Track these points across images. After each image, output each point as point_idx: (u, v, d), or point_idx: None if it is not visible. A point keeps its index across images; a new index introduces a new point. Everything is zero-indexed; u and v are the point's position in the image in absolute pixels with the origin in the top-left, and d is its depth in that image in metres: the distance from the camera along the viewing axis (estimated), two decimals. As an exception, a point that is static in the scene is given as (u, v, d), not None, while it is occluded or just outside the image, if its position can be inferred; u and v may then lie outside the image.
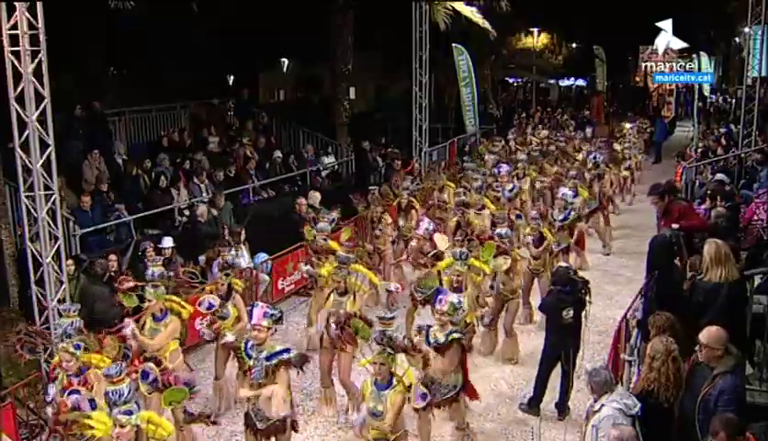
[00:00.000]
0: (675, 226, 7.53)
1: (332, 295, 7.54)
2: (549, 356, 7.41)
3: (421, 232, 9.59)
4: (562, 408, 7.43)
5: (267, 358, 5.59)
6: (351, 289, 7.49)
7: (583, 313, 7.37)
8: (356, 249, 8.95)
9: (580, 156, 17.16)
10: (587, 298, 7.44)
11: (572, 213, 10.88)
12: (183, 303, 7.03)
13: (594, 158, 14.95)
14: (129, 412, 4.71)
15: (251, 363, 5.67)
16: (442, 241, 8.97)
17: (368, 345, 5.93)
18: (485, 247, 8.47)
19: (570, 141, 20.32)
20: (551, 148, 18.45)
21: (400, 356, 5.68)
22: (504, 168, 13.97)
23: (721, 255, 5.99)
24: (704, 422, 4.74)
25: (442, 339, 6.29)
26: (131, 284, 7.16)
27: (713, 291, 5.92)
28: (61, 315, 6.64)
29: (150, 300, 6.72)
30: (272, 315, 5.69)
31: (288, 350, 5.68)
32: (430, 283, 8.50)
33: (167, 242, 9.59)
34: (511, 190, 12.75)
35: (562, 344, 7.24)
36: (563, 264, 8.53)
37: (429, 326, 6.43)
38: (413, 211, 11.63)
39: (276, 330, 5.83)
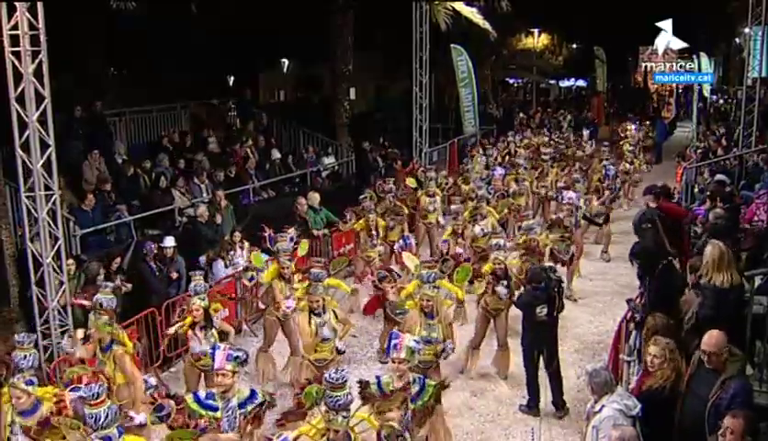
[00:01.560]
0: (653, 205, 7.66)
1: (312, 320, 7.07)
2: (529, 357, 7.51)
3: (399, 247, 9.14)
4: (559, 405, 7.51)
5: (241, 406, 5.13)
6: (329, 308, 7.19)
7: (555, 311, 7.42)
8: (310, 261, 8.38)
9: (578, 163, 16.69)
10: (561, 298, 7.52)
11: (580, 218, 10.74)
12: (125, 337, 6.55)
13: (607, 172, 14.39)
14: (109, 438, 4.45)
15: (217, 415, 5.10)
16: (410, 260, 8.14)
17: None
18: (460, 269, 7.87)
19: (568, 143, 19.95)
20: (548, 150, 17.97)
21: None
22: (498, 171, 13.78)
23: (725, 259, 5.96)
24: (714, 425, 4.72)
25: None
26: (84, 303, 6.90)
27: (724, 295, 5.90)
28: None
29: (92, 329, 6.34)
30: (236, 358, 5.18)
31: (255, 392, 5.28)
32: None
33: (169, 241, 9.58)
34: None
35: (537, 342, 7.39)
36: (548, 264, 8.57)
37: (378, 377, 5.48)
38: (396, 216, 11.44)
39: (242, 373, 5.37)
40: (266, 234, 9.55)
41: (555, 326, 7.53)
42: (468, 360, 8.38)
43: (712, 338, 4.99)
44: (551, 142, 19.37)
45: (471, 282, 7.88)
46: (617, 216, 15.40)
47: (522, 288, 8.22)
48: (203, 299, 6.99)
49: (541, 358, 7.44)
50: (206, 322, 6.98)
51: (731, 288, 5.91)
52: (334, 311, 7.24)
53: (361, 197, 11.47)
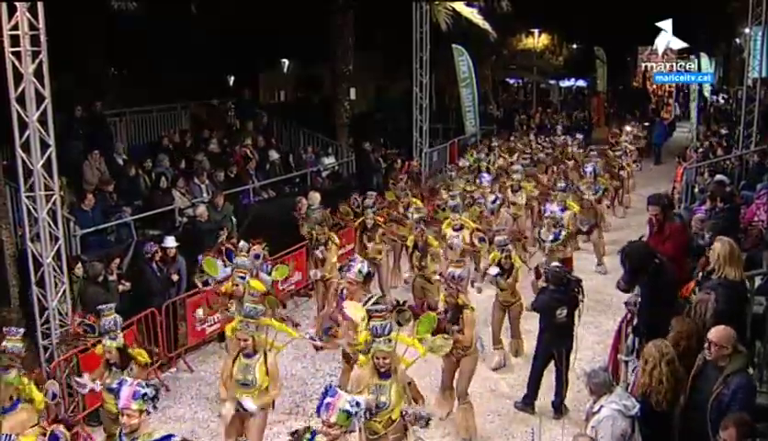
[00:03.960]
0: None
1: (238, 358, 6.12)
2: (542, 355, 7.54)
3: (352, 275, 7.36)
4: (559, 407, 7.54)
5: None
6: (260, 349, 6.10)
7: (576, 312, 7.42)
8: (267, 298, 7.34)
9: (570, 164, 15.90)
10: (580, 297, 7.48)
11: (563, 233, 9.86)
12: (34, 391, 5.71)
13: (593, 170, 13.47)
14: None
15: None
16: (355, 309, 6.59)
17: None
18: (422, 319, 6.31)
19: (563, 147, 18.96)
20: (541, 156, 17.08)
21: None
22: (486, 178, 13.08)
23: (735, 253, 6.01)
24: (716, 421, 4.72)
25: None
26: None
27: (737, 288, 5.92)
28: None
29: None
30: (144, 395, 4.69)
31: (168, 438, 4.77)
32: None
33: (170, 241, 9.50)
34: (494, 202, 11.81)
35: (555, 343, 7.39)
36: (556, 263, 8.40)
37: (314, 433, 4.68)
38: (380, 232, 10.59)
39: (152, 411, 4.83)
40: (223, 248, 9.05)
41: (572, 327, 7.48)
42: (440, 406, 7.37)
43: (719, 331, 5.01)
44: (538, 146, 18.60)
45: (435, 333, 6.34)
46: (613, 224, 14.74)
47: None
48: (114, 339, 6.15)
49: (552, 359, 7.45)
50: (122, 363, 6.15)
51: (742, 281, 5.95)
52: (266, 357, 6.12)
53: (314, 208, 10.68)
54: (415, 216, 10.54)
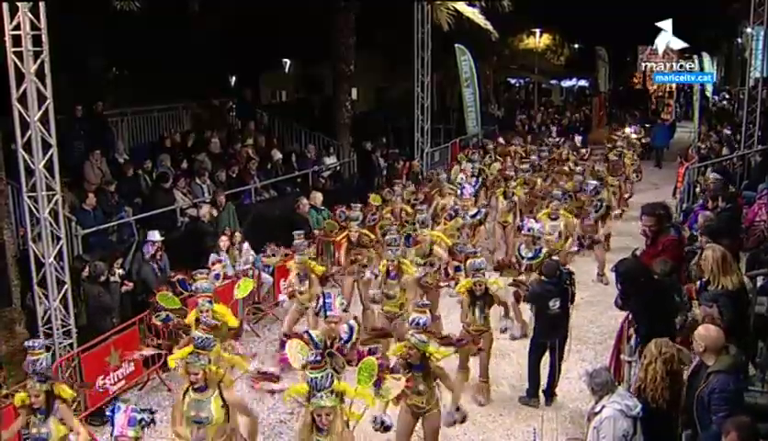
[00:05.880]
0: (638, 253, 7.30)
1: (188, 392, 5.53)
2: (537, 346, 7.68)
3: (338, 313, 6.91)
4: (549, 394, 7.71)
5: None
6: (212, 383, 5.52)
7: (572, 305, 7.62)
8: (221, 328, 6.87)
9: (565, 168, 15.40)
10: (573, 288, 7.68)
11: (543, 250, 9.19)
12: None
13: (595, 191, 12.29)
14: None
15: None
16: (298, 353, 5.89)
17: None
18: (362, 366, 5.56)
19: (552, 149, 18.30)
20: (533, 158, 16.22)
21: None
22: (468, 190, 12.39)
23: (728, 260, 5.97)
24: (701, 419, 4.81)
25: None
26: None
27: (737, 296, 5.90)
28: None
29: None
30: (141, 420, 4.69)
31: None
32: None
33: (155, 235, 9.44)
34: (474, 216, 11.11)
35: (548, 334, 7.52)
36: (555, 257, 8.47)
37: None
38: (368, 246, 9.84)
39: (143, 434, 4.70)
40: (176, 279, 8.45)
41: (567, 318, 7.67)
42: None
43: (701, 327, 5.06)
44: (532, 148, 18.11)
45: (378, 384, 5.52)
46: (614, 231, 13.80)
47: None
48: (44, 382, 5.42)
49: (547, 350, 7.58)
50: (46, 408, 5.45)
51: (741, 287, 5.93)
52: (221, 390, 5.54)
53: (295, 233, 9.62)
54: (387, 236, 9.10)
